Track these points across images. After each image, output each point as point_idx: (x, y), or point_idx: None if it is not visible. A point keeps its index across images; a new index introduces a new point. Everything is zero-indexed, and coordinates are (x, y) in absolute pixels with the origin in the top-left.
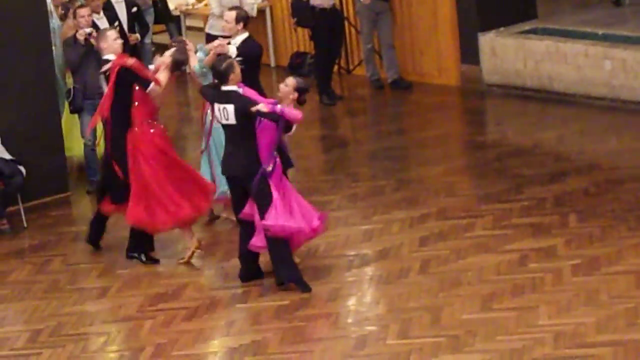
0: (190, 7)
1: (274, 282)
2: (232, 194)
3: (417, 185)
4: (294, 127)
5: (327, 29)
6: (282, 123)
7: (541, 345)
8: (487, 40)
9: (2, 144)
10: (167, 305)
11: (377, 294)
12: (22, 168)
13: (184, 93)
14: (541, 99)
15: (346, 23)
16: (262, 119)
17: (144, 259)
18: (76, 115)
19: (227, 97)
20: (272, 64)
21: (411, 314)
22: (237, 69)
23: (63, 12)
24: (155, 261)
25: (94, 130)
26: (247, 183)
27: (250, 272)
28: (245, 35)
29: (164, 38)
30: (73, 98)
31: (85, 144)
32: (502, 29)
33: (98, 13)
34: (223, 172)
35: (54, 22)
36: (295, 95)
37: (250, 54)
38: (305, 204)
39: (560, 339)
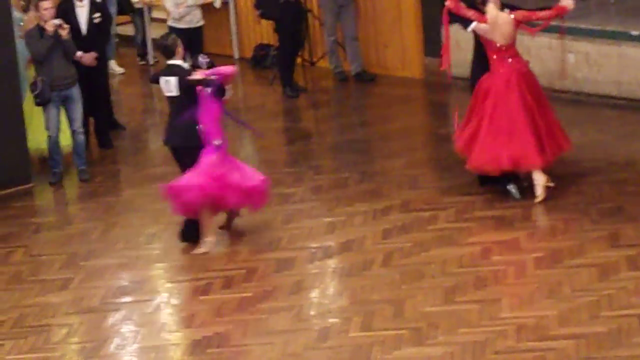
0: None
1: (236, 273)
2: (179, 164)
3: (381, 177)
4: (228, 92)
5: (291, 21)
6: (216, 87)
7: (503, 338)
8: (452, 33)
9: None
10: (129, 298)
11: (340, 287)
12: None
13: (147, 84)
14: None
15: (310, 15)
16: (202, 94)
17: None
18: (36, 107)
19: (171, 70)
20: (236, 56)
21: (374, 307)
22: (181, 45)
23: (24, 3)
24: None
25: (57, 122)
26: (185, 153)
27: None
28: None
29: (127, 29)
30: (40, 90)
31: (49, 136)
32: None
33: None
34: (166, 142)
35: (15, 14)
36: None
37: None
38: (251, 172)
39: (522, 331)
